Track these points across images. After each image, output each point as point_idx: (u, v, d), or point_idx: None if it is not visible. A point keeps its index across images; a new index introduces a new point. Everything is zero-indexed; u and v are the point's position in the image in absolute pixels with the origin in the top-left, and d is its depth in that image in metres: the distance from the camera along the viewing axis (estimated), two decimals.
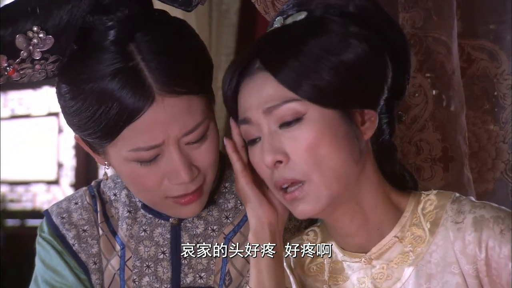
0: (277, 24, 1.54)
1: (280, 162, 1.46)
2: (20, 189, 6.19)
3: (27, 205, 6.18)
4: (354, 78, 1.45)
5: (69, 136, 6.05)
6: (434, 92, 1.99)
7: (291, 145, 1.46)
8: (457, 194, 1.54)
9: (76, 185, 5.88)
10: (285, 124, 1.46)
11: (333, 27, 1.47)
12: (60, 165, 6.11)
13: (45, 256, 1.75)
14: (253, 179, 1.57)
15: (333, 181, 1.46)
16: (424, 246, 1.51)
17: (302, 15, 1.51)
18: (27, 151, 6.15)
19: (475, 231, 1.46)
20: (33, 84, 6.03)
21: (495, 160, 2.08)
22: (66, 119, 1.61)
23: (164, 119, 1.54)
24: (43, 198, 6.14)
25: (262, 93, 1.47)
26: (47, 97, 6.08)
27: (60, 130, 6.08)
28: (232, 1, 4.36)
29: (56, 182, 6.11)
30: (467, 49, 2.08)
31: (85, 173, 5.83)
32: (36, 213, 6.03)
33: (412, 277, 1.51)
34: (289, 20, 1.52)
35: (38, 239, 1.77)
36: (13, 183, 6.17)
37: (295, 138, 1.45)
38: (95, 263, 1.73)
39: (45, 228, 1.76)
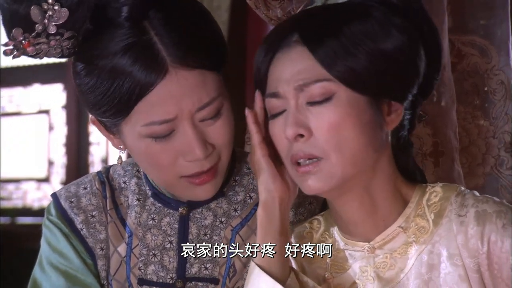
0: (318, 2, 1.57)
1: (302, 136, 1.48)
2: (10, 186, 6.17)
3: (17, 203, 6.16)
4: (389, 68, 1.47)
5: (60, 133, 6.03)
6: None
7: (316, 122, 1.47)
8: (462, 188, 1.56)
9: (66, 183, 5.85)
10: (314, 102, 1.48)
11: (376, 14, 1.49)
12: (50, 163, 6.09)
13: (52, 238, 1.75)
14: (269, 152, 1.57)
15: (349, 163, 1.48)
16: (427, 236, 1.52)
17: None
18: (17, 149, 6.13)
19: (478, 225, 1.47)
20: (24, 82, 6.02)
21: (485, 155, 2.09)
22: (81, 98, 1.64)
23: (177, 92, 1.55)
24: (33, 195, 6.11)
25: (297, 67, 1.49)
26: (37, 95, 6.07)
27: (51, 128, 6.06)
28: None
29: (46, 179, 6.09)
30: (457, 44, 2.08)
31: (76, 171, 5.81)
32: (26, 211, 6.01)
33: (414, 267, 1.52)
34: (331, 1, 1.55)
35: (45, 221, 1.77)
36: (3, 181, 6.14)
37: (321, 115, 1.47)
38: (102, 249, 1.74)
39: (53, 211, 1.77)
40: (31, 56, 1.55)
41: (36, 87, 6.06)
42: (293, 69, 1.49)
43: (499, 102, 2.08)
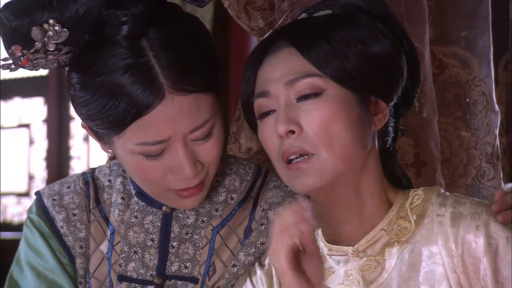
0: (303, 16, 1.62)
1: (293, 132, 1.51)
2: None
3: None
4: (377, 67, 1.54)
5: (41, 147, 6.01)
6: None
7: (306, 118, 1.51)
8: (442, 190, 1.59)
9: None
10: (303, 97, 1.52)
11: (362, 21, 1.55)
12: (31, 177, 6.07)
13: (31, 237, 1.76)
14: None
15: (340, 159, 1.51)
16: (409, 236, 1.55)
17: (328, 12, 1.60)
18: None
19: (453, 226, 1.50)
20: (4, 96, 6.00)
21: (467, 166, 2.10)
22: (74, 107, 1.64)
23: (172, 116, 1.56)
24: (13, 210, 6.09)
25: (286, 65, 1.54)
26: (18, 109, 6.05)
27: (31, 142, 6.04)
28: (206, 10, 4.35)
29: (27, 194, 6.07)
30: (439, 55, 2.09)
31: None
32: (6, 226, 5.98)
33: (396, 265, 1.54)
34: (316, 15, 1.60)
35: (26, 220, 1.78)
36: None
37: (311, 111, 1.51)
38: (81, 247, 1.75)
39: (34, 208, 1.78)
40: (28, 69, 1.56)
41: (17, 101, 6.05)
42: (283, 68, 1.54)
43: (481, 113, 2.09)
